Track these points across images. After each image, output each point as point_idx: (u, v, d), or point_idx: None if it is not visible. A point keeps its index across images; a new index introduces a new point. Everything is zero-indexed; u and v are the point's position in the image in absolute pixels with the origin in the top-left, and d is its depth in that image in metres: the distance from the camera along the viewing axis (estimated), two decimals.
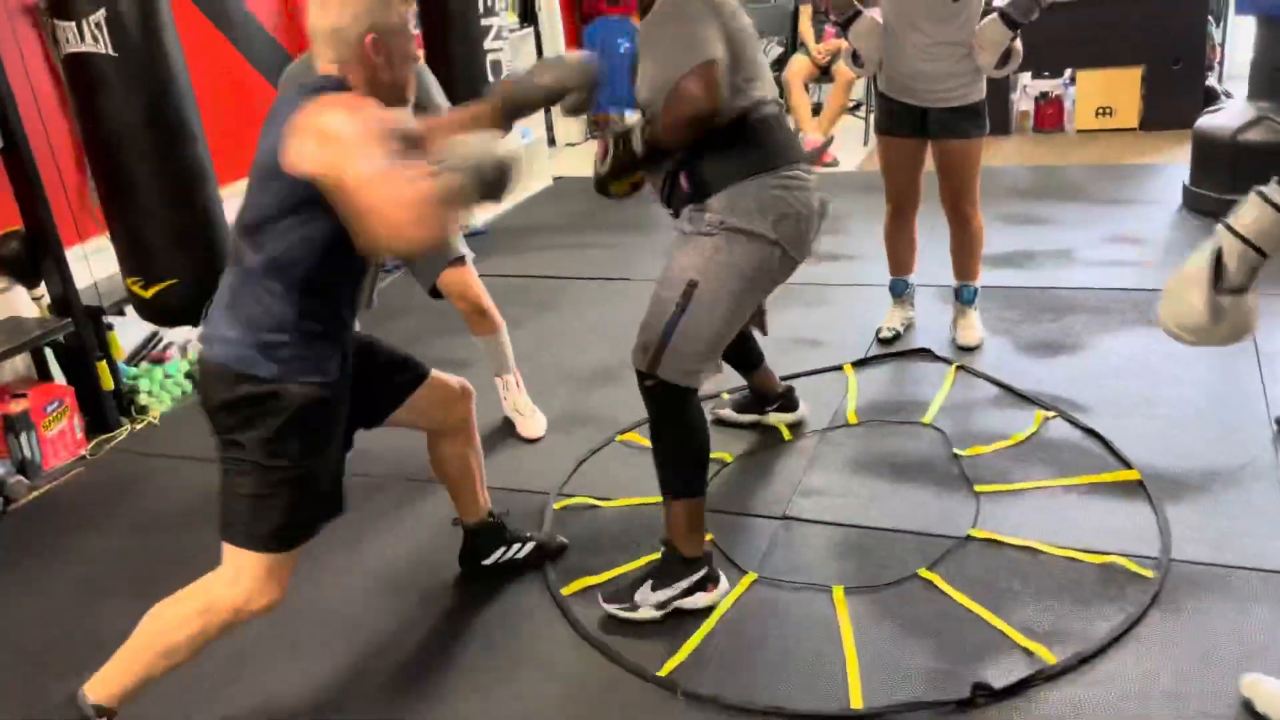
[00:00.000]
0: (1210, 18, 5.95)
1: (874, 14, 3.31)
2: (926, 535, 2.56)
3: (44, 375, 3.55)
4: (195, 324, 3.85)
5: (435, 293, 3.12)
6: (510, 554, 2.58)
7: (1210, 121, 4.44)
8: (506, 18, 4.67)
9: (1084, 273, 4.03)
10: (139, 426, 3.65)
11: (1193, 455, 2.75)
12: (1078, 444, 2.87)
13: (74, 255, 3.53)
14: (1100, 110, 5.99)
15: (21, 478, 3.24)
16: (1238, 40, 6.66)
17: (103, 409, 3.58)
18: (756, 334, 2.98)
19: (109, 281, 3.65)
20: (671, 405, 2.29)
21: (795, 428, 3.11)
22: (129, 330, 3.82)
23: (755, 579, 2.46)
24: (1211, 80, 5.96)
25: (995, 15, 3.15)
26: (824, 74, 6.26)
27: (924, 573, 2.41)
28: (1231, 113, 4.38)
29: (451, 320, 3.45)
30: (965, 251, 3.52)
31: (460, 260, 3.07)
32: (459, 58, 4.32)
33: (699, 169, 2.21)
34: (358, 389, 2.11)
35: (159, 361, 3.85)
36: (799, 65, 6.25)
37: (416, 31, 1.86)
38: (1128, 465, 2.72)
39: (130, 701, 1.98)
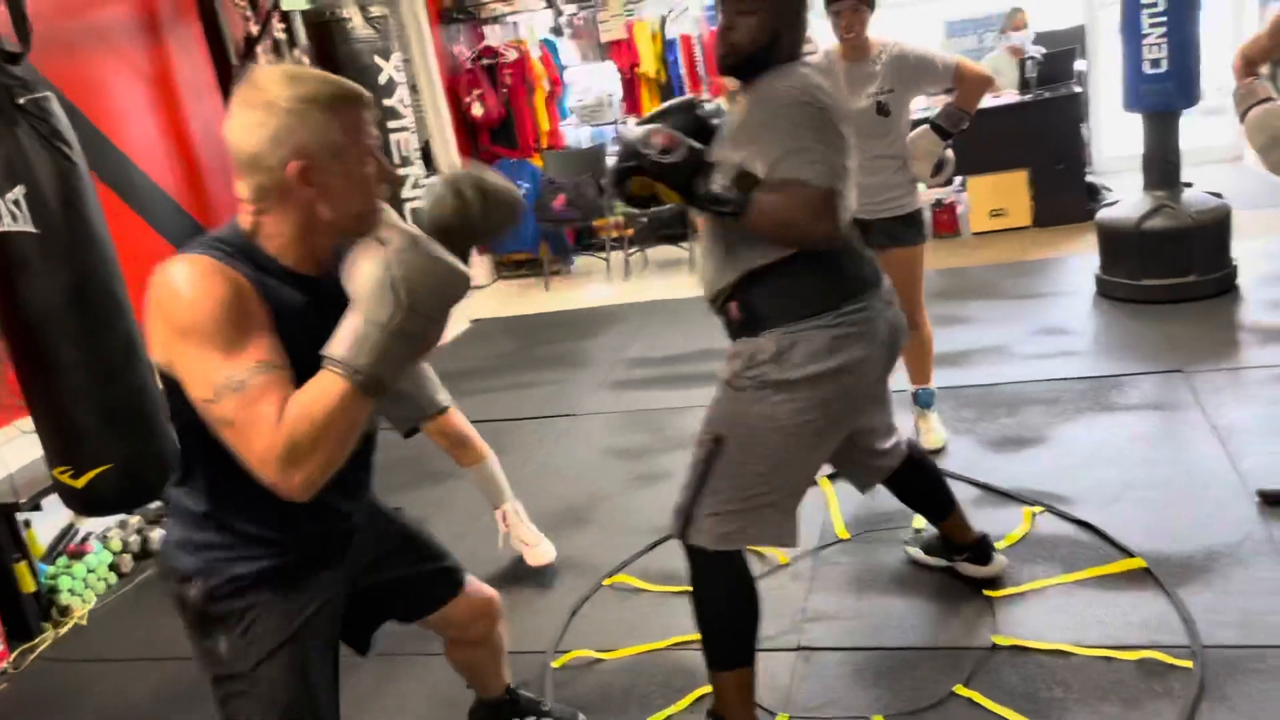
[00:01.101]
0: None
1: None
2: (950, 649, 2.46)
3: None
4: (132, 510, 3.58)
5: (409, 433, 2.97)
6: None
7: (1111, 214, 4.66)
8: (420, 168, 4.63)
9: (1023, 366, 4.11)
10: (64, 630, 3.31)
11: (1188, 537, 2.74)
12: (1073, 537, 2.84)
13: None
14: (994, 212, 6.26)
15: None
16: (1102, 138, 7.13)
17: (23, 614, 3.24)
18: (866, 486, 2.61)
19: (21, 475, 3.36)
20: (711, 570, 2.10)
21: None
22: (42, 525, 3.51)
23: (789, 719, 2.31)
24: (1090, 176, 6.31)
25: (927, 126, 3.25)
26: None
27: (961, 690, 2.30)
28: (1129, 204, 4.61)
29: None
30: (919, 356, 3.54)
31: (443, 413, 2.92)
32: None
33: (755, 298, 2.03)
34: (374, 588, 1.84)
35: (78, 555, 3.53)
36: None
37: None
38: (1129, 554, 2.70)
39: None
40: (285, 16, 4.94)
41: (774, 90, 2.00)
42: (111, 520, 3.79)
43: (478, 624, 2.06)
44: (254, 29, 4.72)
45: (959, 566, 2.73)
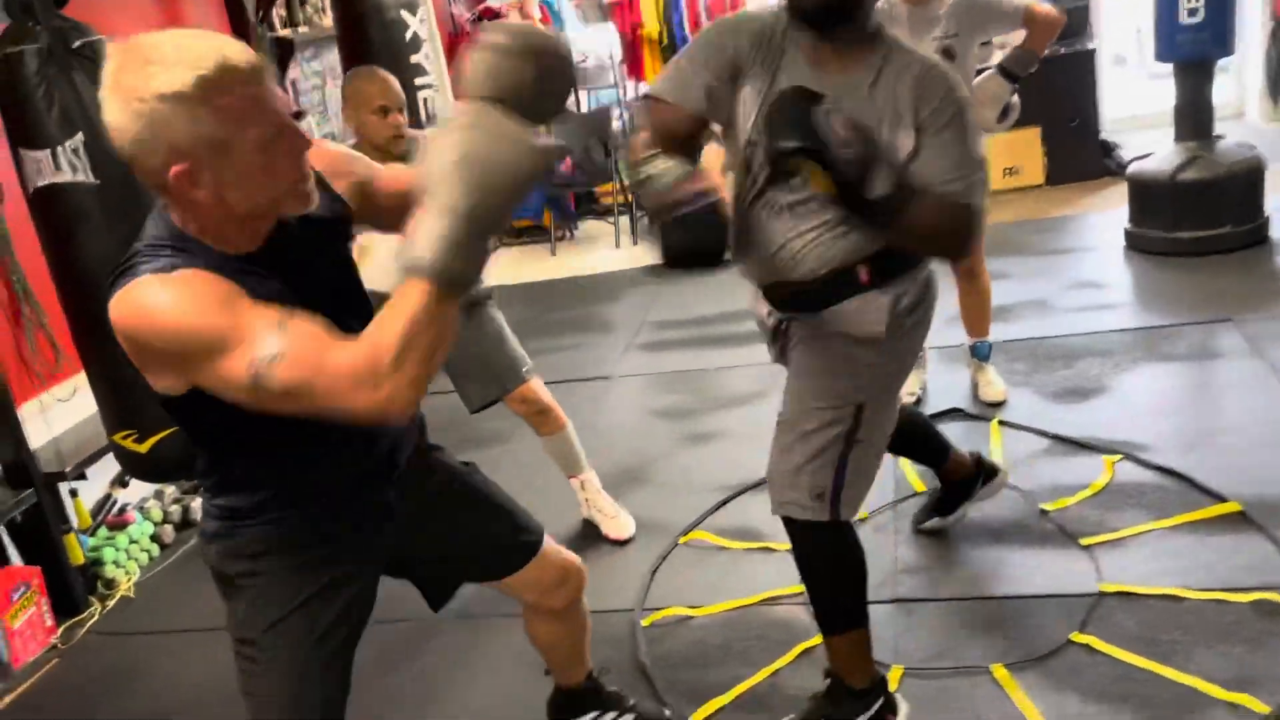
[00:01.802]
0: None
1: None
2: (1056, 597, 2.43)
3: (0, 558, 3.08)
4: (194, 477, 3.46)
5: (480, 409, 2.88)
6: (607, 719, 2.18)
7: (1144, 167, 4.63)
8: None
9: (1067, 320, 4.08)
10: (111, 604, 3.19)
11: (1276, 480, 2.73)
12: (1159, 484, 2.82)
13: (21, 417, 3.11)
14: (1007, 170, 6.22)
15: None
16: (1109, 96, 7.11)
17: (70, 588, 3.11)
18: None
19: (67, 442, 3.23)
20: (834, 540, 2.02)
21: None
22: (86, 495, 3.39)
23: (904, 672, 2.27)
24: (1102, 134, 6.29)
25: (994, 70, 3.20)
26: None
27: (1077, 636, 2.27)
28: (1161, 157, 4.59)
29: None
30: (977, 307, 3.50)
31: (523, 382, 2.85)
32: None
33: (885, 260, 1.90)
34: (447, 546, 1.76)
35: (120, 526, 3.41)
36: (714, 154, 6.27)
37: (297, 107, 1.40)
38: (1221, 498, 2.68)
39: None
40: None
41: (921, 62, 1.82)
42: (148, 490, 3.67)
43: (559, 591, 1.92)
44: None
45: (979, 495, 2.72)
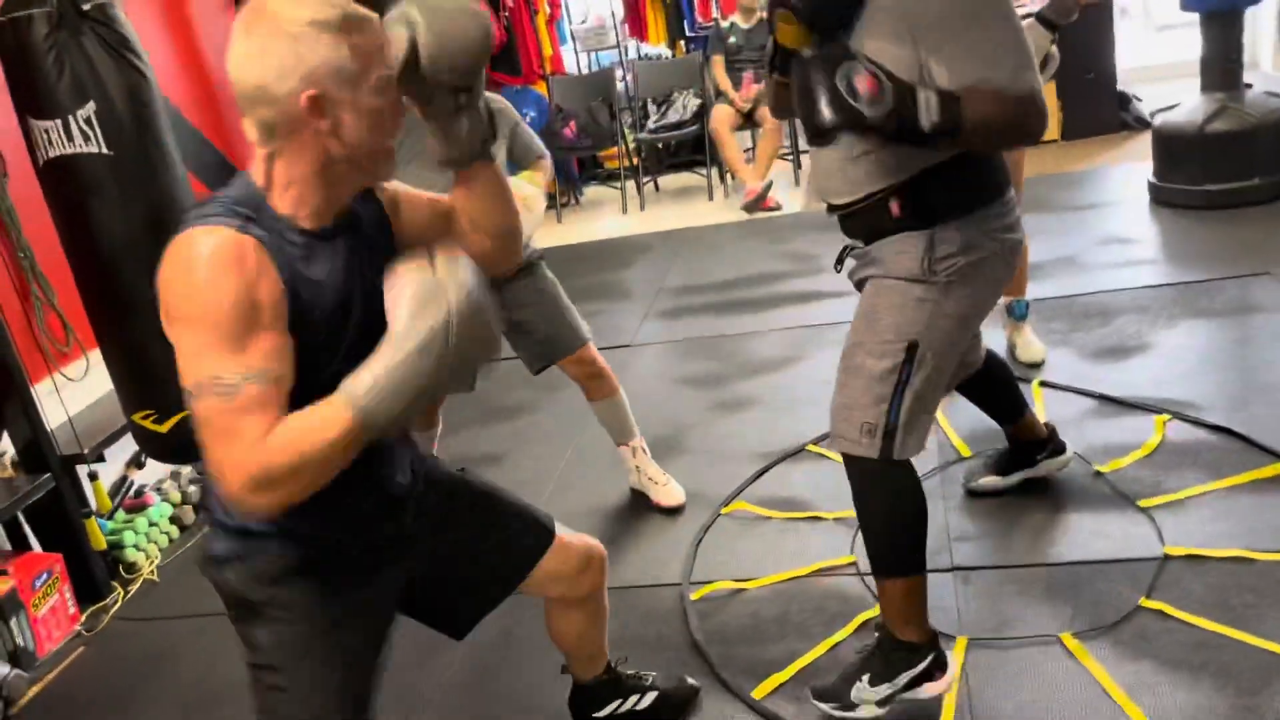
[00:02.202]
0: None
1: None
2: (1120, 562, 2.36)
3: (18, 543, 2.99)
4: None
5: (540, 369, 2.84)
6: (628, 705, 2.10)
7: (1170, 119, 4.53)
8: None
9: (1099, 276, 4.00)
10: (134, 588, 3.11)
11: None
12: (1213, 443, 2.75)
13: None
14: None
15: (19, 672, 2.67)
16: (1123, 49, 6.99)
17: (91, 574, 3.03)
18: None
19: (82, 422, 3.13)
20: (894, 479, 1.96)
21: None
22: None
23: (969, 641, 2.20)
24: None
25: (1033, 19, 3.08)
26: (748, 120, 6.19)
27: (1147, 603, 2.20)
28: (1190, 108, 4.49)
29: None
30: None
31: (583, 344, 2.80)
32: None
33: (928, 192, 1.88)
34: (461, 563, 1.70)
35: (139, 509, 3.32)
36: (723, 115, 6.16)
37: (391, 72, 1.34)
38: (1278, 455, 2.61)
39: None
40: None
41: None
42: (164, 471, 3.58)
43: (584, 576, 1.85)
44: None
45: (1040, 467, 2.67)
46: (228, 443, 1.23)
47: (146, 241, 2.49)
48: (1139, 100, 6.02)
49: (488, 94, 1.55)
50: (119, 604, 3.04)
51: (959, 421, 3.06)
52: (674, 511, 2.94)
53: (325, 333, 1.37)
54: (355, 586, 1.55)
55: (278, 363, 1.28)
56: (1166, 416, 2.90)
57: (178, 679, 2.68)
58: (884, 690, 2.01)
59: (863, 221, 1.98)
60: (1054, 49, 3.13)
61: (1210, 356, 3.22)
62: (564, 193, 6.95)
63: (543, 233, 6.45)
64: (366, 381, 1.24)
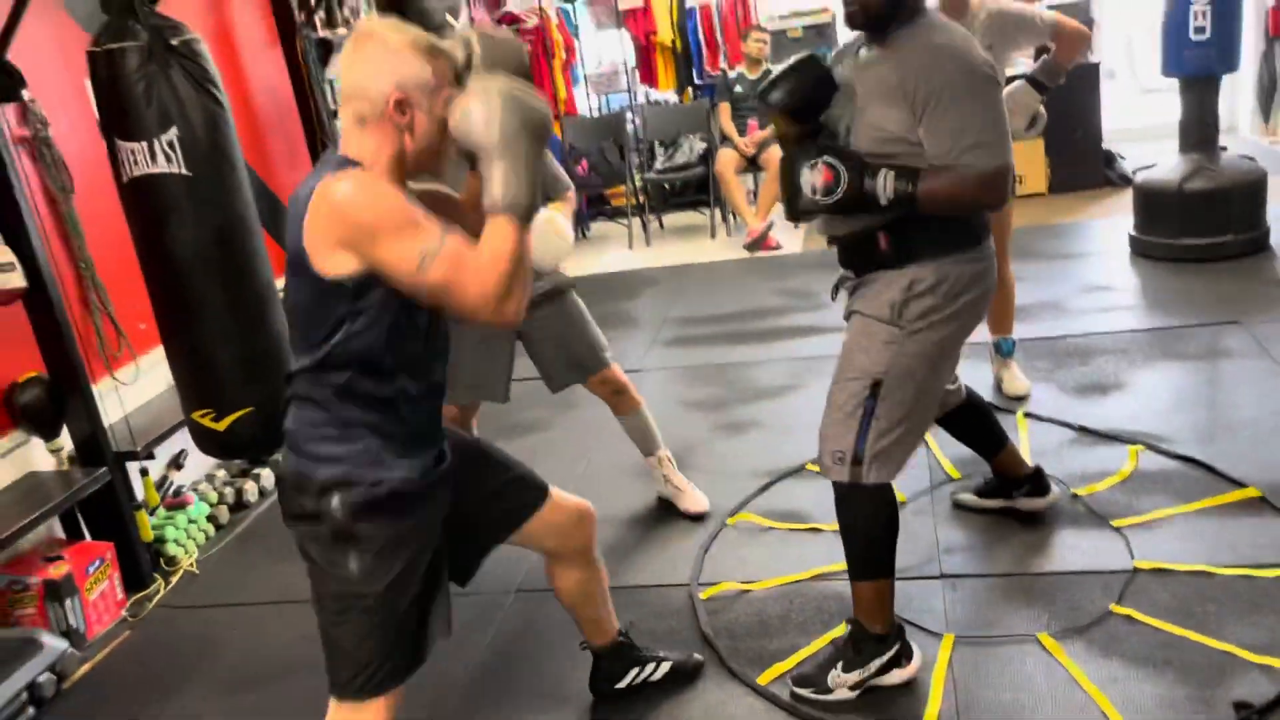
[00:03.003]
0: None
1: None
2: (1094, 573, 2.60)
3: (72, 532, 3.20)
4: (264, 455, 3.60)
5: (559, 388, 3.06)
6: (644, 675, 2.37)
7: (1151, 176, 4.84)
8: None
9: (1081, 320, 4.27)
10: (175, 579, 3.31)
11: None
12: (1182, 472, 3.00)
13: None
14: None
15: (72, 649, 2.86)
16: (1106, 109, 7.33)
17: (138, 564, 3.23)
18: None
19: (137, 420, 3.35)
20: (870, 501, 2.21)
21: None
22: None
23: (955, 639, 2.43)
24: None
25: (1024, 81, 3.37)
26: (751, 164, 6.48)
27: (1117, 608, 2.44)
28: (1168, 167, 4.79)
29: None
30: (1003, 305, 3.67)
31: (606, 366, 3.02)
32: None
33: (908, 231, 2.12)
34: (465, 510, 1.92)
35: (179, 506, 3.53)
36: (728, 158, 6.46)
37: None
38: (1241, 484, 2.86)
39: None
40: None
41: (937, 49, 2.07)
42: (201, 473, 3.79)
43: (578, 531, 2.12)
44: None
45: (1019, 503, 2.87)
46: (463, 281, 1.57)
47: (216, 254, 2.74)
48: (1123, 158, 6.35)
49: None
50: (161, 593, 3.24)
51: (949, 446, 3.30)
52: (698, 518, 3.16)
53: None
54: (430, 519, 1.79)
55: (444, 224, 1.61)
56: (1140, 447, 3.15)
57: (215, 662, 2.87)
58: (856, 675, 2.26)
59: (856, 253, 2.24)
60: (1042, 109, 3.41)
61: (1182, 396, 3.48)
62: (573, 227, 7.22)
63: None
64: (495, 191, 1.59)
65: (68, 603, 2.94)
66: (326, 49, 4.88)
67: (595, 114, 7.55)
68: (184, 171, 2.65)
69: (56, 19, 3.41)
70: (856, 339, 2.22)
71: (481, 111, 1.59)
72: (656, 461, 3.21)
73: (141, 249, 2.77)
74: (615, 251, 6.90)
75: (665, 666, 2.40)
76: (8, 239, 2.90)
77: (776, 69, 2.22)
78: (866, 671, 2.25)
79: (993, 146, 2.04)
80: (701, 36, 7.19)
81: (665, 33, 7.23)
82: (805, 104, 2.18)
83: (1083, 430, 3.33)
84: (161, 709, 2.68)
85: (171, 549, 3.38)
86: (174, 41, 2.61)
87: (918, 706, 2.23)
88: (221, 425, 2.83)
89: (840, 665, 2.27)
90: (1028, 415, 3.49)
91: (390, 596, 1.74)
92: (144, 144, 2.62)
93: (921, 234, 2.13)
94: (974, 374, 3.82)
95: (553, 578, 2.20)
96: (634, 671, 2.37)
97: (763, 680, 2.39)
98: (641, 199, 7.03)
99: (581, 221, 7.37)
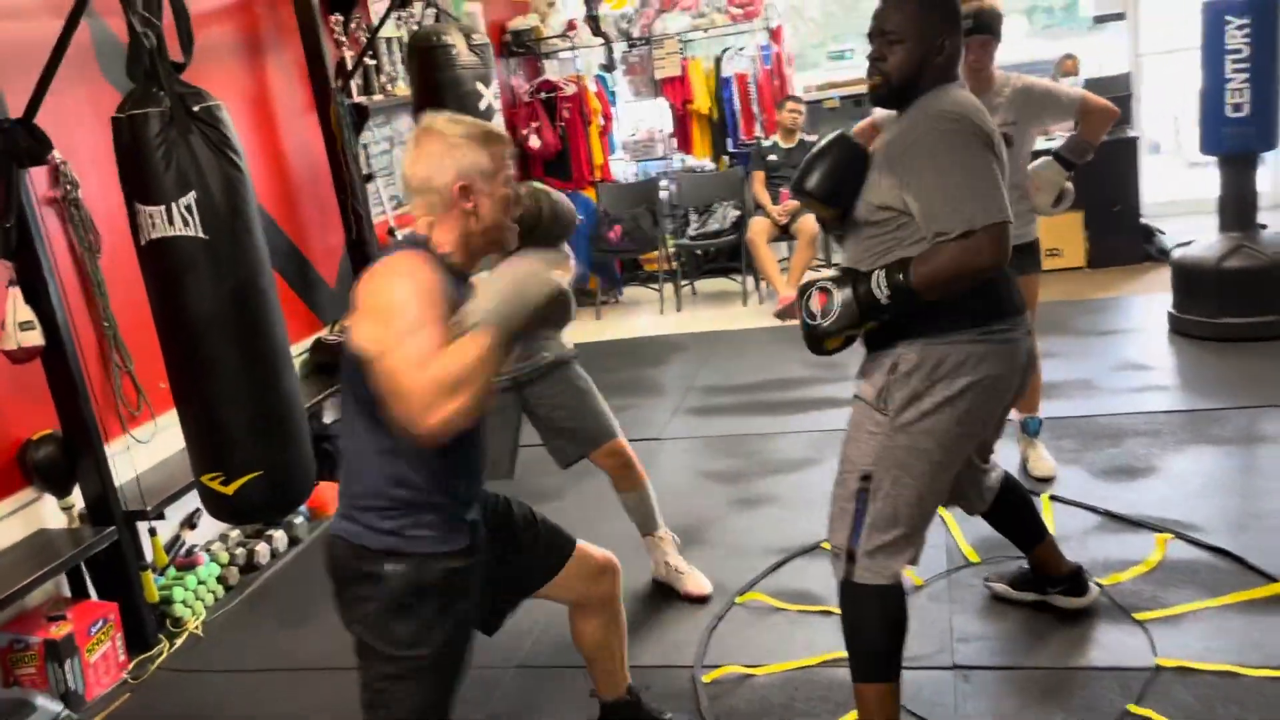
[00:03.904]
0: None
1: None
2: (1112, 670, 2.48)
3: (78, 591, 3.19)
4: (274, 519, 3.59)
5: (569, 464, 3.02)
6: None
7: (1188, 253, 4.74)
8: None
9: (1113, 400, 4.16)
10: (179, 641, 3.29)
11: None
12: (1211, 564, 2.88)
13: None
14: (1050, 251, 6.30)
15: (69, 713, 2.84)
16: (1145, 182, 7.25)
17: (142, 625, 3.22)
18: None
19: (147, 480, 3.36)
20: (874, 601, 2.11)
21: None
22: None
23: None
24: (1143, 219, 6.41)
25: (1050, 158, 3.33)
26: (784, 232, 6.47)
27: (1135, 709, 2.32)
28: (1206, 245, 4.69)
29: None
30: (1031, 385, 3.59)
31: (613, 438, 2.98)
32: None
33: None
34: (498, 566, 1.99)
35: (188, 567, 3.52)
36: (760, 226, 6.45)
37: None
38: (1272, 579, 2.74)
39: None
40: (372, 43, 5.01)
41: (919, 113, 2.06)
42: (213, 534, 3.79)
43: (603, 579, 2.21)
44: (347, 54, 4.79)
45: (1052, 599, 2.74)
46: (420, 368, 1.55)
47: (230, 315, 2.75)
48: (1162, 233, 6.24)
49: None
50: (165, 655, 3.22)
51: (969, 528, 3.21)
52: (700, 600, 3.08)
53: None
54: (474, 585, 1.89)
55: (445, 332, 1.62)
56: (1168, 535, 3.03)
57: None
58: None
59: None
60: (1069, 185, 3.36)
61: (1215, 481, 3.36)
62: (605, 291, 7.24)
63: (582, 329, 6.74)
64: (477, 307, 1.60)
65: (67, 663, 2.92)
66: (362, 114, 4.97)
67: (631, 180, 7.60)
68: (200, 234, 2.66)
69: (94, 83, 3.50)
70: (850, 428, 2.15)
71: (488, 287, 1.64)
72: (656, 541, 3.14)
73: (157, 310, 2.78)
74: (647, 316, 6.90)
75: None
76: (28, 297, 2.95)
77: (811, 150, 2.20)
78: None
79: (981, 203, 1.93)
80: (738, 105, 7.22)
81: (702, 101, 7.28)
82: (837, 188, 2.15)
83: (1109, 516, 3.21)
84: None
85: (179, 610, 3.36)
86: (195, 108, 2.65)
87: None
88: (230, 489, 2.81)
89: None
90: (1053, 498, 3.38)
91: (437, 660, 1.83)
92: (162, 208, 2.64)
93: (916, 311, 2.03)
94: (1002, 453, 3.72)
95: (574, 626, 2.27)
96: None
97: None
98: (674, 265, 7.04)
99: (615, 286, 7.39)
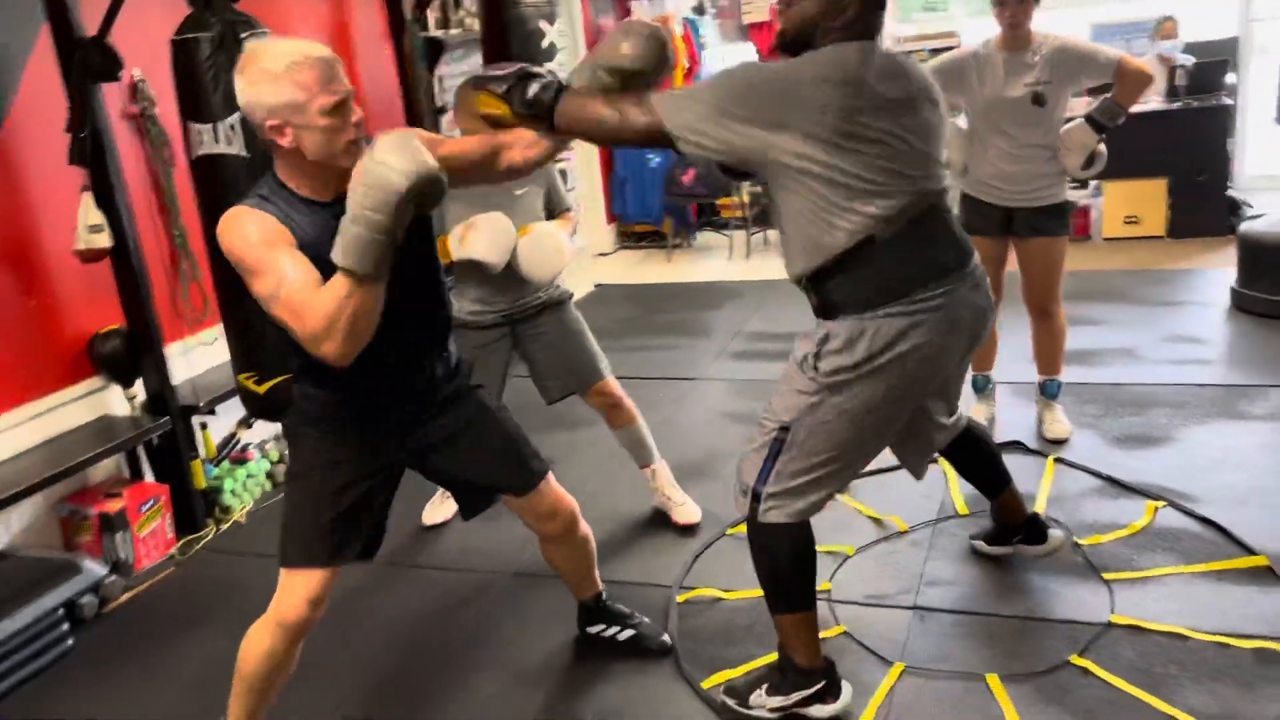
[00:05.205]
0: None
1: (958, 122, 3.46)
2: (1067, 622, 2.55)
3: (135, 474, 3.53)
4: None
5: (554, 400, 3.17)
6: (610, 633, 2.63)
7: (1255, 227, 4.61)
8: None
9: (1151, 370, 4.12)
10: (225, 526, 3.61)
11: None
12: (1196, 533, 2.89)
13: (168, 354, 3.55)
14: (1128, 219, 6.19)
15: (117, 578, 3.17)
16: (1246, 155, 6.95)
17: (191, 508, 3.54)
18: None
19: (202, 381, 3.67)
20: (777, 539, 2.19)
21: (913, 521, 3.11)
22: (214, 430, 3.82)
23: (903, 669, 2.43)
24: (1231, 191, 6.19)
25: (1082, 120, 3.30)
26: None
27: (1076, 659, 2.39)
28: (1273, 220, 4.55)
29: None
30: (1050, 347, 3.60)
31: (601, 378, 3.12)
32: None
33: (830, 286, 2.03)
34: (466, 473, 2.24)
35: (241, 462, 3.83)
36: None
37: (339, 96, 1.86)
38: (1251, 551, 2.74)
39: None
40: None
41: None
42: (269, 434, 4.10)
43: (550, 523, 2.36)
44: None
45: (1019, 550, 2.79)
46: (304, 317, 1.75)
47: None
48: (1249, 206, 6.01)
49: None
50: (210, 537, 3.55)
51: (964, 485, 3.26)
52: (688, 529, 3.24)
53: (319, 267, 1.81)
54: (360, 444, 2.11)
55: (305, 265, 1.79)
56: (1160, 503, 3.04)
57: (244, 605, 3.09)
58: (777, 701, 2.29)
59: (808, 300, 2.14)
60: (1101, 148, 3.33)
61: (1228, 456, 3.33)
62: (677, 234, 7.35)
63: (649, 270, 6.89)
64: (339, 252, 1.72)
65: (119, 536, 3.26)
66: (437, 48, 5.16)
67: None
68: (243, 153, 2.90)
69: (175, 6, 3.75)
70: (781, 379, 2.19)
71: (359, 175, 1.70)
72: (651, 473, 3.30)
73: (204, 222, 3.04)
74: (716, 262, 6.99)
75: (629, 633, 2.62)
76: (99, 203, 3.24)
77: None
78: (787, 700, 2.28)
79: (665, 104, 1.94)
80: None
81: None
82: None
83: (1109, 480, 3.23)
84: (187, 640, 2.95)
85: (228, 499, 3.68)
86: (244, 35, 2.87)
87: None
88: (262, 389, 3.08)
89: (765, 687, 2.31)
90: (1058, 460, 3.40)
91: (301, 492, 2.12)
92: (209, 126, 2.89)
93: (837, 290, 2.03)
94: (1020, 412, 3.77)
95: (542, 548, 2.49)
96: (601, 626, 2.64)
97: (706, 684, 2.46)
98: (747, 213, 7.09)
99: (689, 230, 7.48)
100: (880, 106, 1.94)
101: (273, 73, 1.80)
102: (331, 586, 2.14)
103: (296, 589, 2.10)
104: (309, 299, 1.76)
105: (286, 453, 2.18)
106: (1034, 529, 2.77)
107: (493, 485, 2.28)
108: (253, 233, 1.82)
